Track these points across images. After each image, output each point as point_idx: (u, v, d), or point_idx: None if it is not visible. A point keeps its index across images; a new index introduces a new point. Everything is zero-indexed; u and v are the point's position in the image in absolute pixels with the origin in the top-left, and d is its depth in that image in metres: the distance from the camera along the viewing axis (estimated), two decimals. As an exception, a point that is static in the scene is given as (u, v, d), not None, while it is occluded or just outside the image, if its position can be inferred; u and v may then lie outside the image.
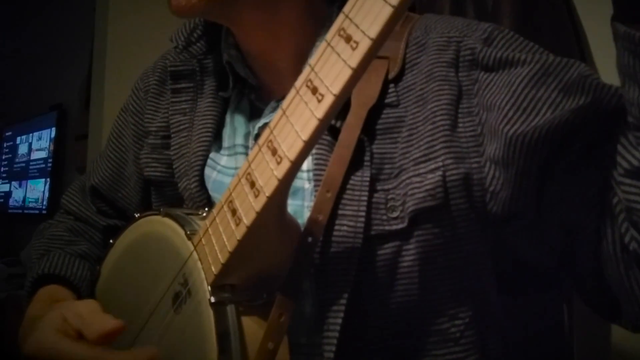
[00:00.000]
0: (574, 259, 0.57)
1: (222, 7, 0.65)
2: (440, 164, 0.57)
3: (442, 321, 0.58)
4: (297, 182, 0.62)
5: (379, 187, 0.59)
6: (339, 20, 0.45)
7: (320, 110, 0.45)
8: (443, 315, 0.58)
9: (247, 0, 0.65)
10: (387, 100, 0.62)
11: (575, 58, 0.59)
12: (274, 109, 0.69)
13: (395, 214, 0.58)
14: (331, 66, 0.44)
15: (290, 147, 0.47)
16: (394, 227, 0.58)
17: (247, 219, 0.50)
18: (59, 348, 0.58)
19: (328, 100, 0.44)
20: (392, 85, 0.62)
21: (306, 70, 0.47)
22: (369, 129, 0.61)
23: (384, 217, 0.58)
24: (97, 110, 2.07)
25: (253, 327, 0.53)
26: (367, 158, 0.59)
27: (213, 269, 0.53)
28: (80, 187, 0.88)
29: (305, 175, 0.63)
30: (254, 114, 0.72)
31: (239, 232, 0.50)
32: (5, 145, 3.69)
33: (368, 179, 0.59)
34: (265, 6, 0.66)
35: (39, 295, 0.72)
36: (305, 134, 0.45)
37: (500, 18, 1.16)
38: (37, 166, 3.22)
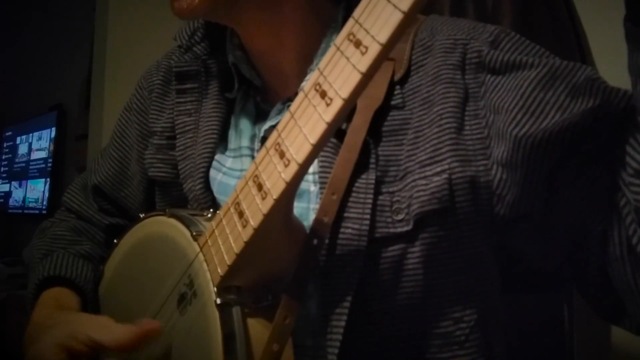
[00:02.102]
0: (580, 260, 0.57)
1: (223, 8, 0.65)
2: (446, 166, 0.57)
3: (447, 324, 0.58)
4: (302, 185, 0.62)
5: (384, 190, 0.59)
6: (349, 24, 0.45)
7: (328, 114, 0.45)
8: (448, 318, 0.58)
9: (249, 0, 0.65)
10: (392, 102, 0.62)
11: (576, 58, 0.59)
12: (280, 111, 0.69)
13: (400, 217, 0.58)
14: (340, 70, 0.45)
15: (298, 150, 0.47)
16: (399, 230, 0.58)
17: (254, 221, 0.50)
18: None
19: (337, 104, 0.44)
20: (397, 87, 0.62)
21: (315, 73, 0.47)
22: (375, 131, 0.61)
23: (389, 220, 0.59)
24: (97, 110, 2.07)
25: (258, 329, 0.53)
26: (372, 160, 0.59)
27: (219, 270, 0.53)
28: (81, 185, 0.88)
29: (310, 177, 0.63)
30: (259, 116, 0.72)
31: (246, 234, 0.51)
32: (5, 145, 3.68)
33: (373, 181, 0.59)
34: (268, 6, 0.66)
35: (43, 299, 0.71)
36: (314, 138, 0.46)
37: (500, 18, 1.16)
38: (37, 166, 3.21)
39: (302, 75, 0.67)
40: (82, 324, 0.60)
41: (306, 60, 0.67)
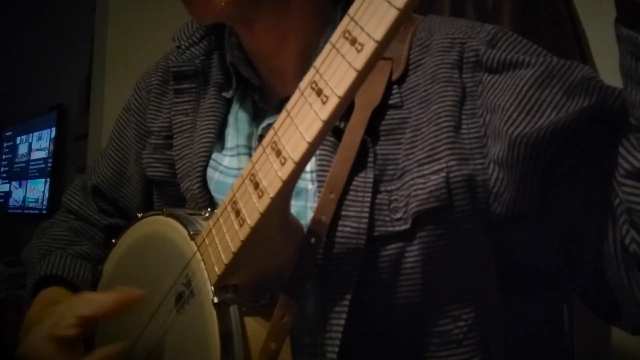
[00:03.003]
0: (575, 260, 0.57)
1: (244, 12, 0.65)
2: (444, 165, 0.57)
3: (445, 322, 0.58)
4: (300, 183, 0.62)
5: (382, 188, 0.59)
6: (344, 22, 0.45)
7: (324, 111, 0.45)
8: (446, 316, 0.58)
9: (265, 4, 0.65)
10: (390, 102, 0.62)
11: (576, 58, 0.59)
12: (278, 110, 0.69)
13: (398, 215, 0.58)
14: (336, 68, 0.44)
15: (294, 149, 0.47)
16: (397, 228, 0.58)
17: (250, 220, 0.50)
18: (44, 352, 0.57)
19: (333, 102, 0.44)
20: (395, 86, 0.62)
21: (311, 71, 0.47)
22: (373, 130, 0.61)
23: (387, 218, 0.59)
24: (97, 110, 2.07)
25: (256, 328, 0.53)
26: (370, 159, 0.59)
27: (216, 269, 0.53)
28: (81, 186, 0.88)
29: (308, 176, 0.63)
30: (257, 115, 0.72)
31: (243, 233, 0.50)
32: (5, 145, 3.68)
33: (371, 180, 0.59)
34: (279, 10, 0.66)
35: (39, 298, 0.71)
36: (310, 136, 0.45)
37: (500, 18, 1.16)
38: (37, 166, 3.21)
39: (301, 74, 0.66)
40: (67, 307, 0.59)
41: (306, 60, 0.67)
